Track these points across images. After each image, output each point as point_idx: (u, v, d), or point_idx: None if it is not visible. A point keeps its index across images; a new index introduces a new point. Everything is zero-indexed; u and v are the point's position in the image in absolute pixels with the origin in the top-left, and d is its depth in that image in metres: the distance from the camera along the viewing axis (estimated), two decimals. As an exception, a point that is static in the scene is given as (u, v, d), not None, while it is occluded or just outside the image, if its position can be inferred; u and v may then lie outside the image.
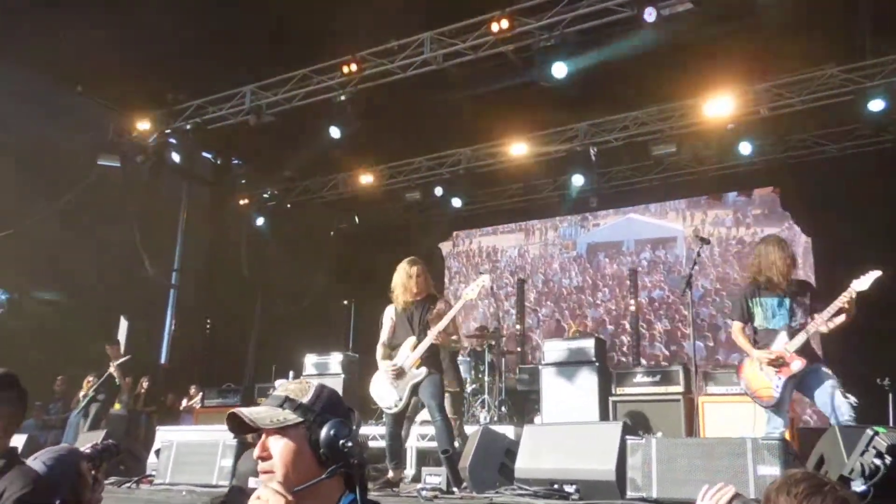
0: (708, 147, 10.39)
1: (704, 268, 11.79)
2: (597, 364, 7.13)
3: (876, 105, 8.82)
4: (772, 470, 3.50)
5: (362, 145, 11.34)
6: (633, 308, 12.14)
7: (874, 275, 4.50)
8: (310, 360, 8.62)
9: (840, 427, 3.67)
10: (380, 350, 5.47)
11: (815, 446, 3.90)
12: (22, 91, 9.68)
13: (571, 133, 10.90)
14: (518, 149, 11.13)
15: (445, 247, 14.60)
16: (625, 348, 12.27)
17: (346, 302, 10.92)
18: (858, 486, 3.12)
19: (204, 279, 13.05)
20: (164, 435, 6.76)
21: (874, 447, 3.17)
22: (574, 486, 4.11)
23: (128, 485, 5.44)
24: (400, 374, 5.20)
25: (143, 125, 10.82)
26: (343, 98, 9.73)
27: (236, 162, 13.52)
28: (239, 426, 1.69)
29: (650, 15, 7.52)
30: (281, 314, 12.75)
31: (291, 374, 8.91)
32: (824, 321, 4.58)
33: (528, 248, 13.90)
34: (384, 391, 5.29)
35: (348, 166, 12.48)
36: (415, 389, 5.22)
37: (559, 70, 8.40)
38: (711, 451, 3.80)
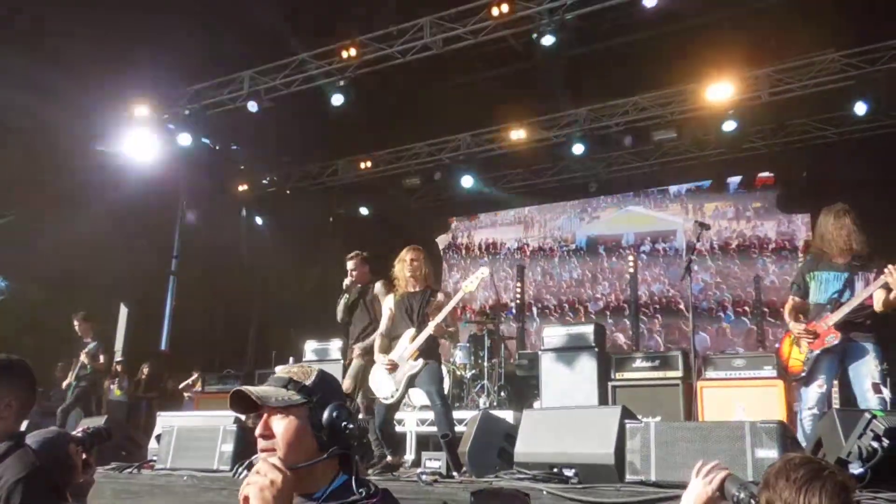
0: (707, 132, 10.37)
1: (704, 261, 11.76)
2: (596, 349, 7.13)
3: (859, 108, 9.02)
4: (769, 453, 3.52)
5: (362, 130, 11.29)
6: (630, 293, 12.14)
7: None
8: (310, 347, 8.64)
9: (838, 411, 3.69)
10: (378, 341, 5.49)
11: (814, 429, 3.92)
12: (19, 77, 9.62)
13: (571, 118, 10.86)
14: (517, 134, 11.09)
15: (443, 240, 14.52)
16: (624, 342, 12.23)
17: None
18: (856, 469, 3.14)
19: (203, 266, 13.04)
20: (165, 420, 6.78)
21: (872, 430, 3.19)
22: (573, 470, 4.13)
23: (129, 470, 5.46)
24: (395, 367, 5.24)
25: (141, 111, 10.77)
26: (342, 83, 9.69)
27: (235, 148, 13.47)
28: (241, 405, 1.72)
29: (651, 0, 7.50)
30: (280, 300, 12.76)
31: (291, 359, 8.94)
32: (860, 300, 4.41)
33: (528, 240, 13.87)
34: (381, 382, 5.33)
35: (348, 152, 12.44)
36: (411, 381, 5.25)
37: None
38: (709, 435, 3.81)
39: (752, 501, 1.92)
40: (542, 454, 4.38)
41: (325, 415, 1.67)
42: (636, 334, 12.07)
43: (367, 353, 5.87)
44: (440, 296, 5.43)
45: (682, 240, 12.32)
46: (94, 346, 8.63)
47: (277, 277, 13.10)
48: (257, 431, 1.70)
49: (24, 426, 2.63)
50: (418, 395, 7.65)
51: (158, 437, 5.97)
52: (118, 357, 11.29)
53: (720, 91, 9.43)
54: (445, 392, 5.59)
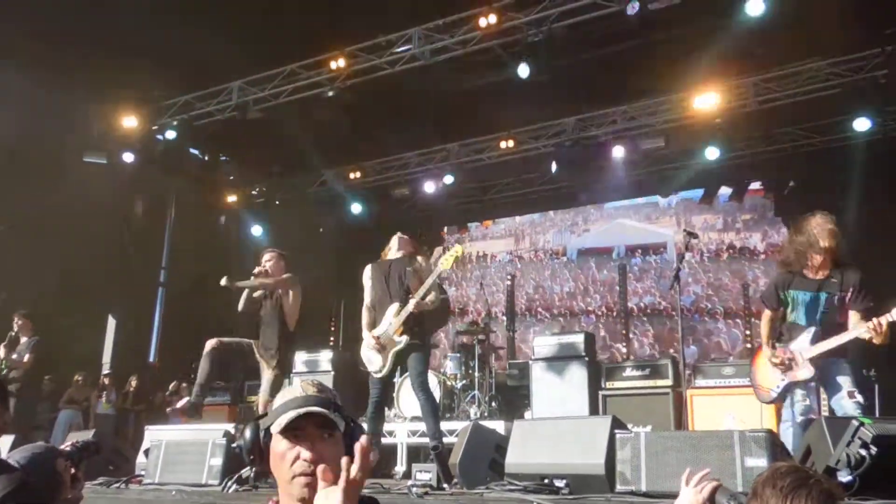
0: (695, 141, 10.43)
1: (695, 273, 11.83)
2: (586, 358, 7.14)
3: (861, 124, 9.20)
4: (759, 462, 3.52)
5: (350, 141, 11.29)
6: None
7: None
8: (300, 358, 8.60)
9: (826, 419, 3.70)
10: (365, 315, 5.55)
11: (802, 438, 3.92)
12: (6, 88, 9.57)
13: (559, 128, 10.90)
14: (506, 144, 11.13)
15: (436, 252, 14.47)
16: (615, 354, 12.22)
17: (335, 299, 10.92)
18: (844, 477, 3.14)
19: (192, 277, 12.96)
20: (153, 434, 6.72)
21: (860, 438, 3.19)
22: (564, 481, 4.12)
23: (117, 485, 5.38)
24: (381, 345, 5.31)
25: (130, 122, 10.73)
26: (331, 94, 9.70)
27: (224, 158, 13.43)
28: (299, 425, 1.52)
29: (633, 9, 7.56)
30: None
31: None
32: (841, 342, 4.29)
33: (520, 252, 13.91)
34: (371, 356, 5.42)
35: (337, 162, 12.43)
36: (398, 357, 5.33)
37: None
38: (699, 444, 3.81)
39: (741, 512, 1.92)
40: (532, 465, 4.37)
41: (364, 439, 1.42)
42: (628, 347, 12.09)
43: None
44: (420, 258, 5.54)
45: (673, 252, 12.37)
46: (28, 342, 7.99)
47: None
48: (309, 456, 1.51)
49: (10, 441, 2.60)
50: (409, 407, 7.63)
51: (147, 452, 5.90)
52: (105, 370, 11.22)
53: (708, 100, 9.51)
54: (431, 387, 5.59)
